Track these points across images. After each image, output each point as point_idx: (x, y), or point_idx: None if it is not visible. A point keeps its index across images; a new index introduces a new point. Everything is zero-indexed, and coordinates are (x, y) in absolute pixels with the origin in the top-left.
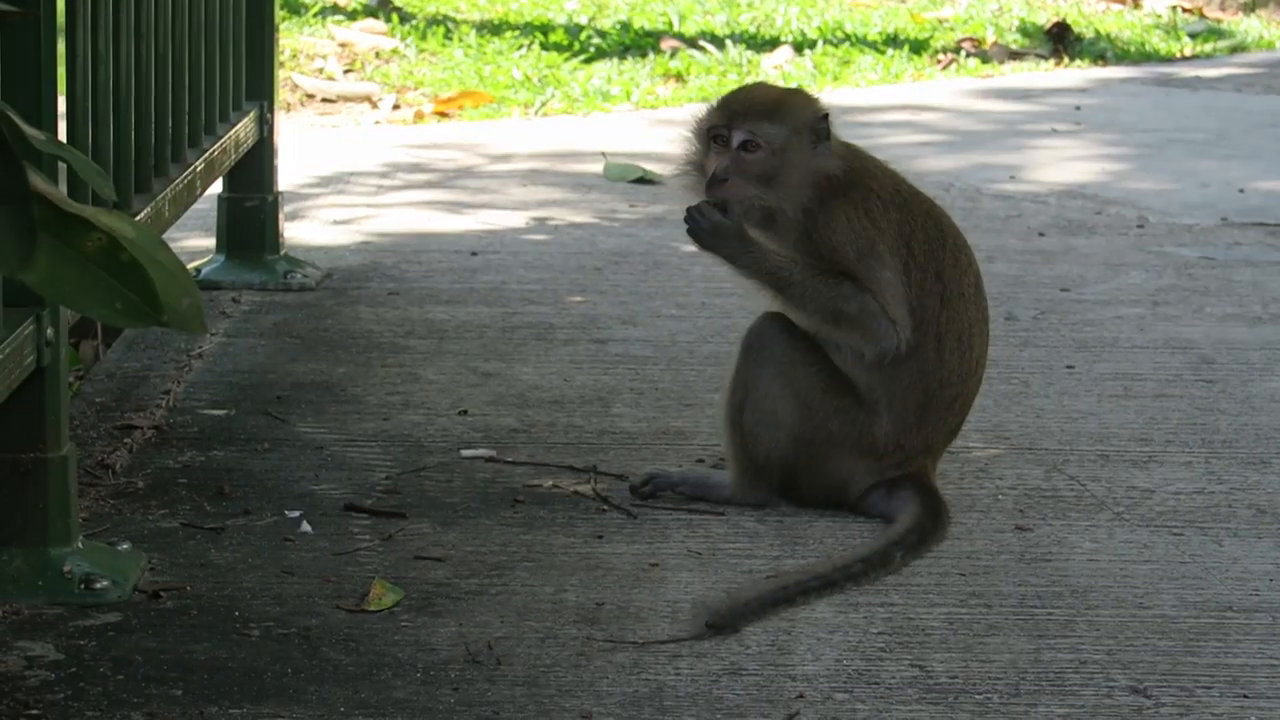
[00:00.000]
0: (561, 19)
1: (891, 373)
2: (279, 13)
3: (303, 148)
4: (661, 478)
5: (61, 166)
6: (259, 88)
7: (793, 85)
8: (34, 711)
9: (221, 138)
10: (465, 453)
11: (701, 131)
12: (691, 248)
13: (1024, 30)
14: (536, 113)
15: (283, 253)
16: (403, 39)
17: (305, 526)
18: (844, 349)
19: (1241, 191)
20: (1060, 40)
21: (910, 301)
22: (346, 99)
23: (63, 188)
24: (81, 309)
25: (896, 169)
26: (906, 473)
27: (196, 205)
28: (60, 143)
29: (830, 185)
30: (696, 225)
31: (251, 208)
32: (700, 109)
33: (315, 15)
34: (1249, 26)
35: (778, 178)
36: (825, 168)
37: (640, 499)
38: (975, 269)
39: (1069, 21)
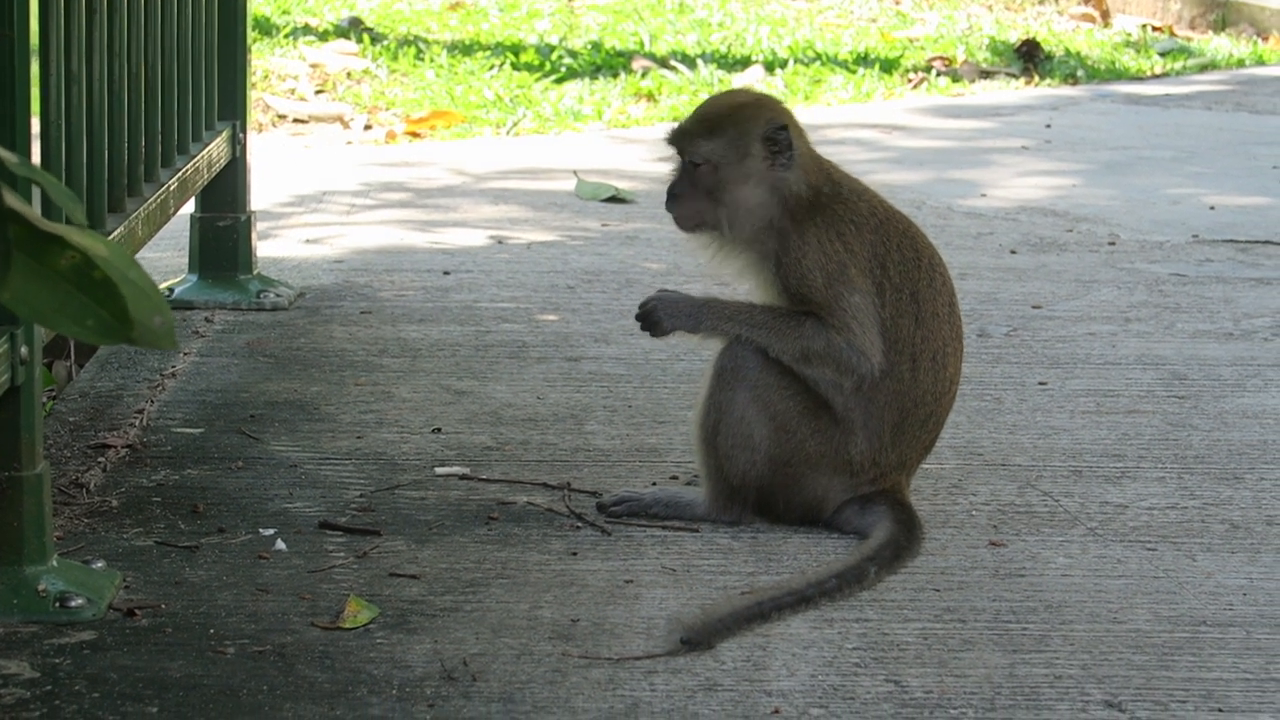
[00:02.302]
0: (533, 39)
1: (868, 394)
2: (250, 34)
3: (275, 168)
4: (634, 501)
5: (34, 188)
6: (231, 107)
7: (764, 94)
8: None
9: (194, 157)
10: (439, 470)
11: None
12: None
13: (994, 49)
14: (508, 132)
15: (255, 272)
16: (374, 59)
17: (280, 544)
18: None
19: (1212, 208)
20: (1030, 59)
21: (883, 323)
22: (318, 119)
23: (36, 206)
24: (54, 326)
25: (871, 186)
26: (880, 489)
27: (169, 225)
28: (33, 166)
29: (801, 204)
30: (647, 317)
31: (224, 227)
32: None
33: (286, 36)
34: (1218, 45)
35: (728, 192)
36: (787, 180)
37: (610, 519)
38: (950, 287)
39: (1039, 40)
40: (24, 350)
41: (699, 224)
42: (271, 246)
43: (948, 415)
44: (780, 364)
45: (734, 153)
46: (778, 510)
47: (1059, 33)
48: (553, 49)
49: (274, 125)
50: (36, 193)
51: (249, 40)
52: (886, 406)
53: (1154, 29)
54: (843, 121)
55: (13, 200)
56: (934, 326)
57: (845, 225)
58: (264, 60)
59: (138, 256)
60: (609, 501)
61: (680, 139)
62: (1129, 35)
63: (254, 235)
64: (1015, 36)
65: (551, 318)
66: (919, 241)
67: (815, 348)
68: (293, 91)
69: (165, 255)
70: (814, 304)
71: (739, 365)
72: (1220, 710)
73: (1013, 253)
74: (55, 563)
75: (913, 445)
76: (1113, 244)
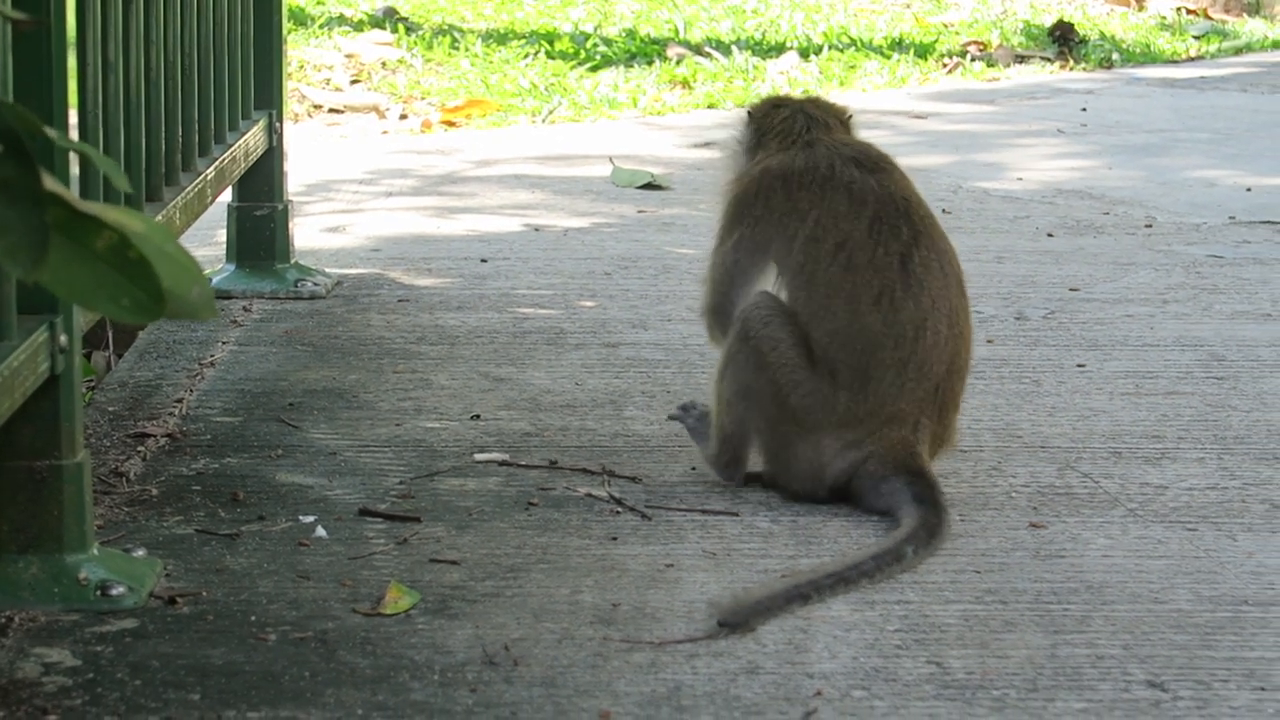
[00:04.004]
0: (567, 27)
1: (823, 345)
2: (286, 24)
3: (311, 158)
4: (683, 415)
5: (73, 169)
6: (267, 97)
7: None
8: (52, 717)
9: (231, 146)
10: (478, 457)
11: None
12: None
13: (1029, 33)
14: (544, 120)
15: (293, 261)
16: (409, 49)
17: (320, 531)
18: None
19: (1249, 190)
20: (1065, 42)
21: (795, 270)
22: (354, 109)
23: (73, 188)
24: (91, 306)
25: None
26: (888, 455)
27: (204, 218)
28: (73, 140)
29: (742, 175)
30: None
31: (261, 216)
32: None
33: (322, 26)
34: (1253, 27)
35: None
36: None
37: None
38: (906, 240)
39: (1073, 24)
40: (63, 339)
41: None
42: (308, 235)
43: (943, 366)
44: (783, 316)
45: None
46: (781, 478)
47: (1093, 16)
48: (587, 37)
49: (309, 115)
50: (74, 175)
51: (284, 30)
52: (840, 349)
53: (1188, 12)
54: (877, 107)
55: (50, 182)
56: (870, 273)
57: (748, 185)
58: (299, 50)
59: None
60: (675, 412)
61: None
62: (1163, 18)
63: (291, 224)
64: (1049, 20)
65: (589, 304)
66: (866, 198)
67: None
68: (328, 82)
69: (201, 246)
70: None
71: (747, 316)
72: (1263, 689)
73: (1049, 235)
74: (96, 551)
75: (894, 393)
76: (1149, 226)
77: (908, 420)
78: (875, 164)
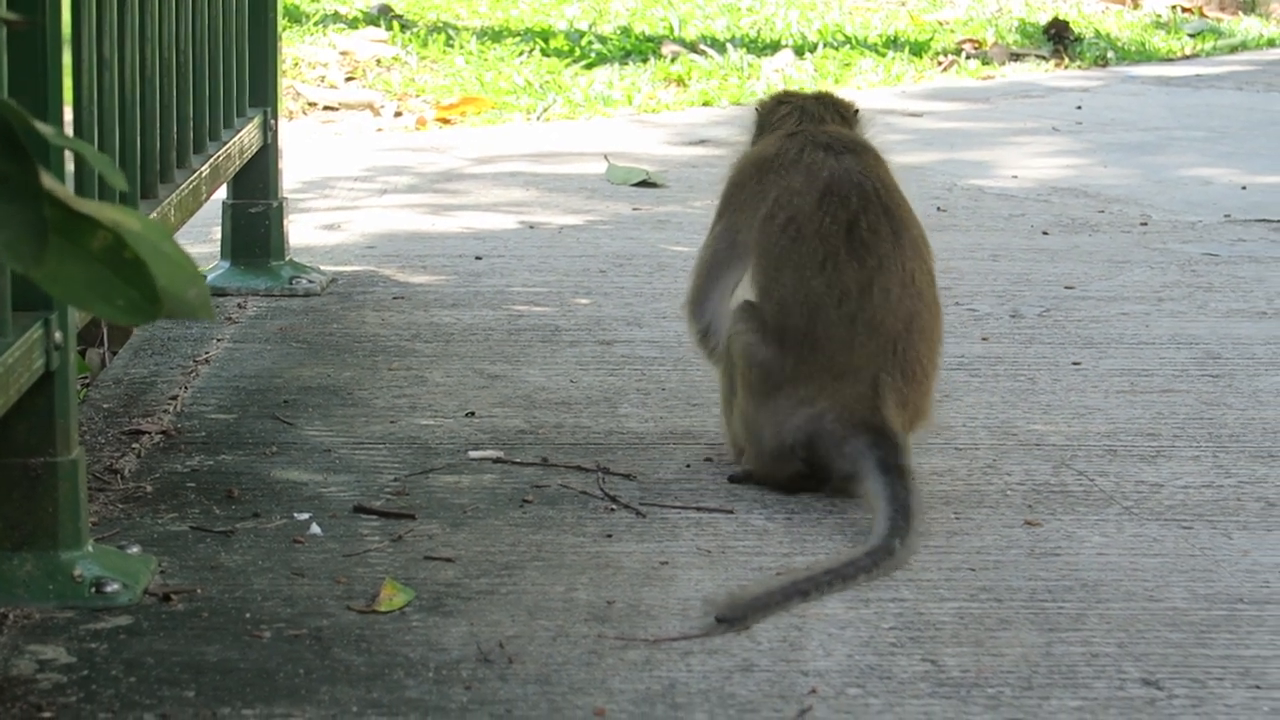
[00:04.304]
0: (562, 25)
1: (775, 310)
2: (281, 21)
3: (305, 155)
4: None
5: (68, 167)
6: (262, 94)
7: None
8: (47, 714)
9: (226, 144)
10: (473, 454)
11: None
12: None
13: (1024, 31)
14: (538, 118)
15: (288, 258)
16: (404, 46)
17: (314, 529)
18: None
19: (1244, 188)
20: (1060, 40)
21: (762, 248)
22: (349, 107)
23: (69, 186)
24: (85, 306)
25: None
26: (847, 413)
27: (199, 215)
28: (69, 136)
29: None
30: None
31: (256, 213)
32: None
33: (316, 24)
34: (1248, 25)
35: None
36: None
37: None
38: (856, 209)
39: (1068, 22)
40: (58, 335)
41: None
42: (303, 232)
43: (899, 325)
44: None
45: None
46: (756, 463)
47: (1088, 14)
48: (582, 34)
49: (304, 113)
50: (69, 173)
51: (279, 27)
52: (788, 316)
53: (1183, 10)
54: (872, 105)
55: (47, 181)
56: (817, 241)
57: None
58: (294, 48)
59: None
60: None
61: None
62: (1158, 16)
63: (286, 221)
64: (1045, 18)
65: (584, 302)
66: (821, 174)
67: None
68: (323, 79)
69: (195, 244)
70: None
71: (726, 340)
72: (1258, 687)
73: (1044, 233)
74: (91, 548)
75: (844, 348)
76: (1144, 224)
77: (863, 376)
78: (845, 147)
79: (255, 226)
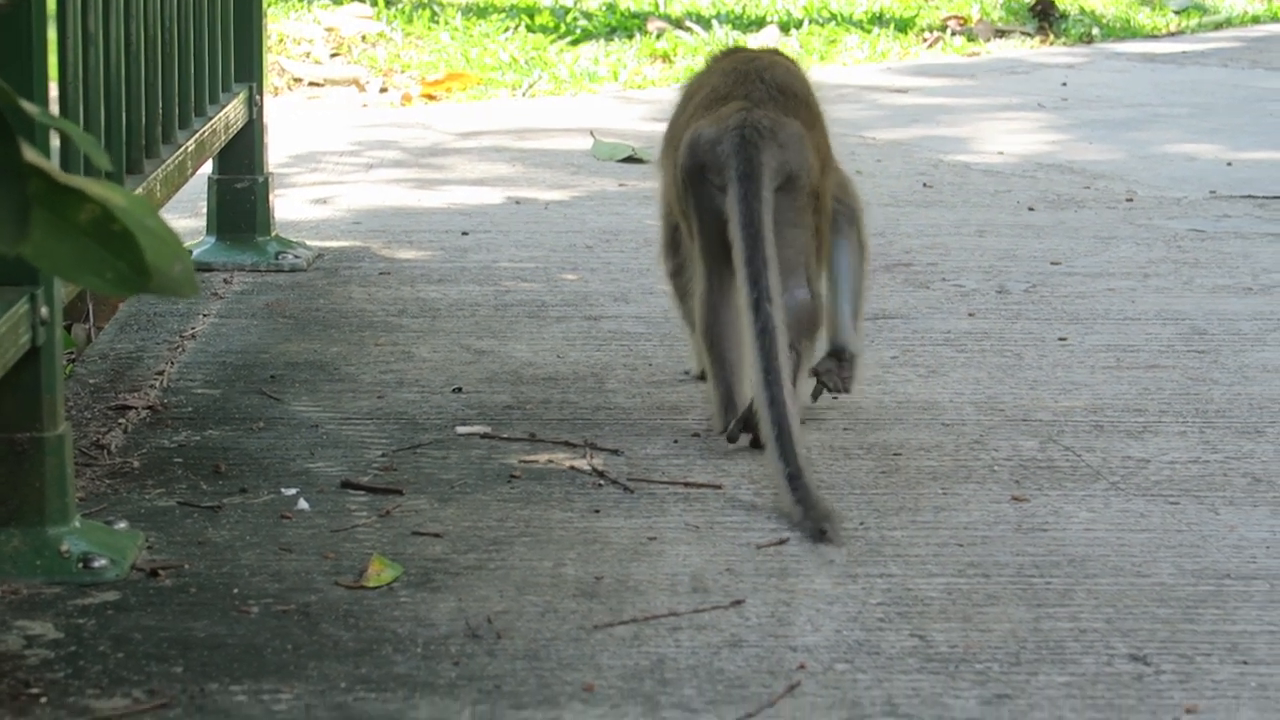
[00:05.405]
0: (547, 1)
1: None
2: None
3: (291, 131)
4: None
5: (54, 142)
6: (248, 70)
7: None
8: (34, 690)
9: (211, 119)
10: (460, 429)
11: None
12: None
13: (1009, 8)
14: (524, 94)
15: (273, 234)
16: (389, 22)
17: (302, 504)
18: None
19: (1229, 165)
20: (1045, 17)
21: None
22: (334, 83)
23: (55, 161)
24: (74, 279)
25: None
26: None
27: (184, 190)
28: (54, 115)
29: None
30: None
31: (242, 189)
32: None
33: (301, 0)
34: (1233, 2)
35: None
36: None
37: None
38: (752, 78)
39: None
40: (44, 311)
41: None
42: (288, 208)
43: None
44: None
45: None
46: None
47: None
48: (567, 11)
49: (289, 89)
50: (55, 148)
51: (265, 3)
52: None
53: None
54: (858, 82)
55: (32, 155)
56: (713, 100)
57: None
58: (279, 24)
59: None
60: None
61: None
62: None
63: (271, 197)
64: None
65: (570, 277)
66: (733, 69)
67: None
68: (308, 55)
69: (181, 218)
70: None
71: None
72: (1245, 662)
73: (1030, 209)
74: (78, 524)
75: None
76: (1130, 200)
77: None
78: (762, 54)
79: (241, 202)
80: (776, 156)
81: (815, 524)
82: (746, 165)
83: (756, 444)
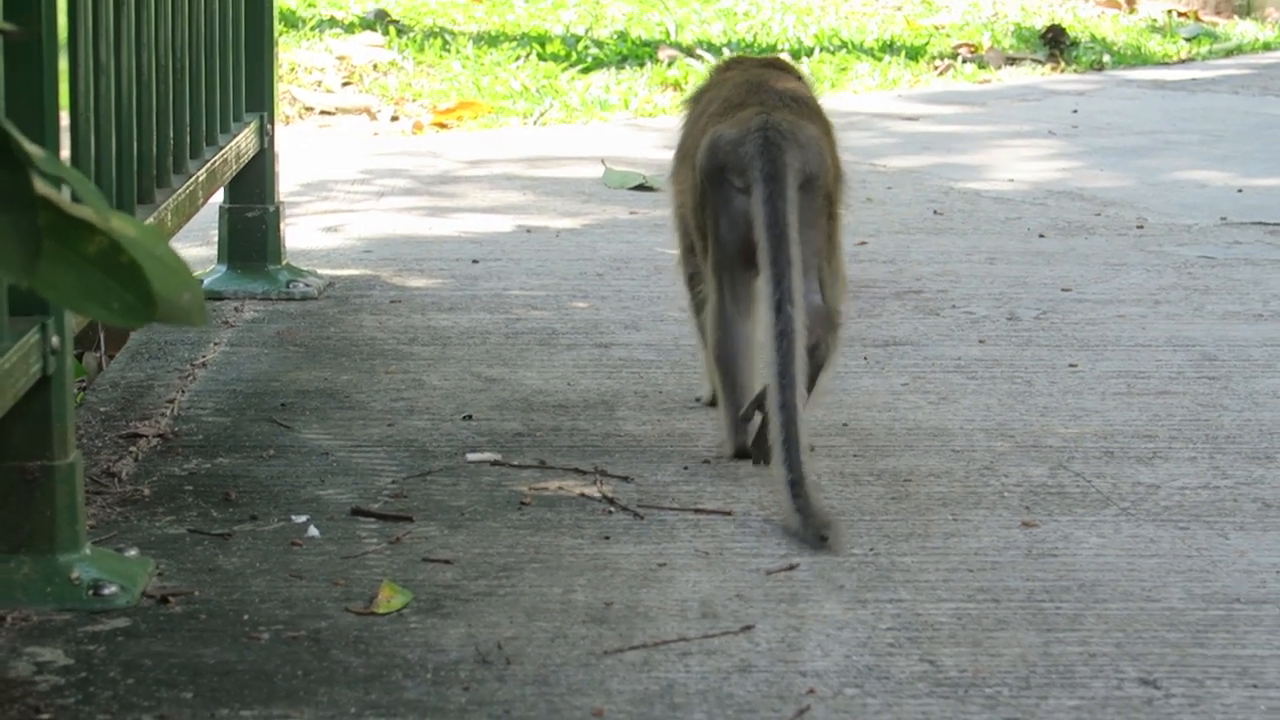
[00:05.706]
0: (559, 29)
1: None
2: (277, 26)
3: (302, 159)
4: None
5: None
6: (259, 99)
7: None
8: (45, 716)
9: (223, 149)
10: (470, 457)
11: None
12: None
13: (1020, 35)
14: (535, 122)
15: (284, 262)
16: (400, 51)
17: (312, 531)
18: None
19: (1240, 191)
20: (1056, 45)
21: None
22: (345, 111)
23: (65, 192)
24: (81, 310)
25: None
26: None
27: (196, 218)
28: (59, 163)
29: None
30: None
31: (253, 218)
32: None
33: (313, 29)
34: (1244, 29)
35: None
36: None
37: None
38: (760, 74)
39: (1064, 26)
40: (55, 340)
41: None
42: (299, 236)
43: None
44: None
45: None
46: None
47: (1084, 18)
48: (579, 39)
49: (300, 117)
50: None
51: (276, 32)
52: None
53: (1179, 14)
54: (869, 109)
55: (42, 187)
56: (726, 109)
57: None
58: (290, 53)
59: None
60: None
61: None
62: (1154, 20)
63: (282, 225)
64: (1041, 23)
65: (581, 305)
66: (743, 80)
67: None
68: (319, 84)
69: (192, 246)
70: None
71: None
72: (1255, 686)
73: (1041, 236)
74: (88, 551)
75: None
76: (1141, 227)
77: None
78: (766, 63)
79: (252, 231)
80: (799, 157)
81: (815, 532)
82: (771, 166)
83: (761, 459)
